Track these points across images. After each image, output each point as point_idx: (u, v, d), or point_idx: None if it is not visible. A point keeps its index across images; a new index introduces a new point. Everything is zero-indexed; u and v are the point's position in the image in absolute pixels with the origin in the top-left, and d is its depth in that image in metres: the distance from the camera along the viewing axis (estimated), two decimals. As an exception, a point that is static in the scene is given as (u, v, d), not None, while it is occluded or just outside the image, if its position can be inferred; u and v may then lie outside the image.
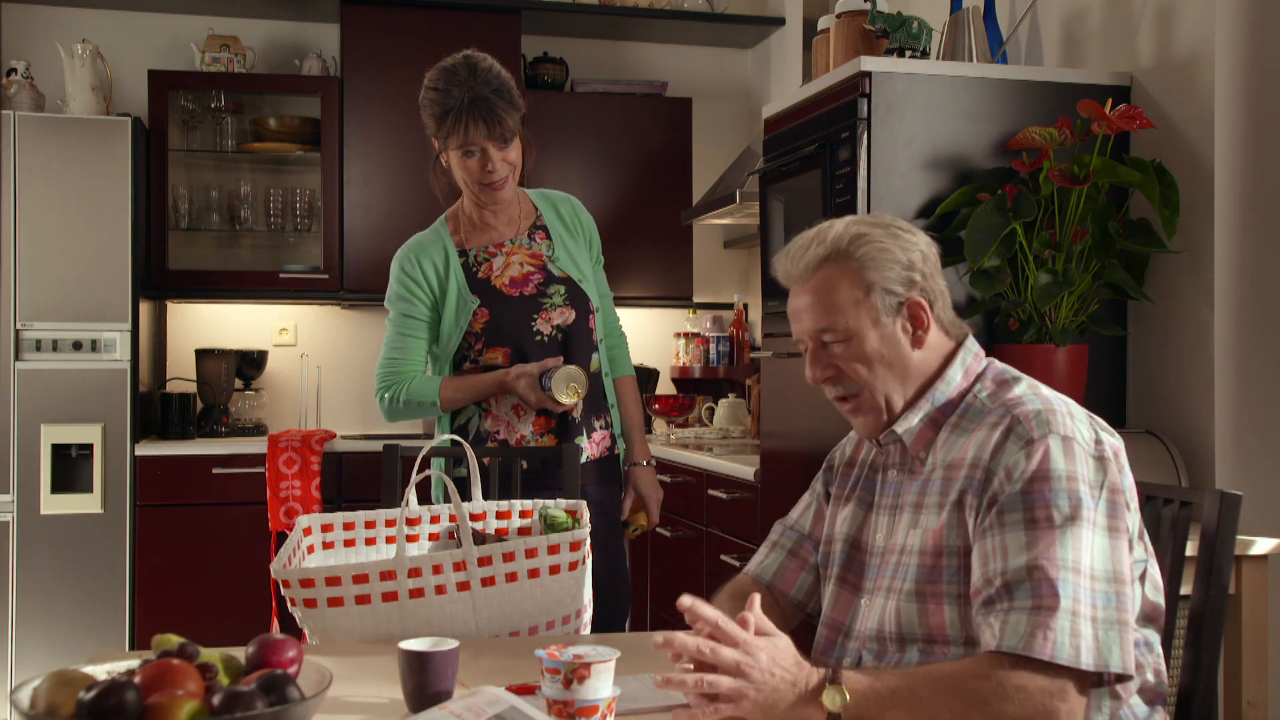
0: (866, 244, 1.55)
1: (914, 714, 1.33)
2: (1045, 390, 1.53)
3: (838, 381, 1.59)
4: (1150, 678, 1.49)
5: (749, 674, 1.31)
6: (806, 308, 1.58)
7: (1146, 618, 1.50)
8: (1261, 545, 2.26)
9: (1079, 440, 1.44)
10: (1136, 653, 1.47)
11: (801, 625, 1.77)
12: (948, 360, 1.59)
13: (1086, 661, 1.33)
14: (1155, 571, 1.52)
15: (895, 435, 1.58)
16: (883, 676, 1.36)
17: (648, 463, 2.79)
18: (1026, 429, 1.45)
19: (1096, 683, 1.38)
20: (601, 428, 2.69)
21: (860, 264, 1.54)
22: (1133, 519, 1.47)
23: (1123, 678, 1.37)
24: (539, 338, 2.60)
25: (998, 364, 1.61)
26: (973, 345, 1.61)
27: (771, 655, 1.33)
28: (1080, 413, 1.49)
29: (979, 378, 1.58)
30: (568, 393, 2.46)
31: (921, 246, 1.58)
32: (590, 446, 2.64)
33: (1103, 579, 1.37)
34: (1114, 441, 1.48)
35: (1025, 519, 1.40)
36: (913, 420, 1.57)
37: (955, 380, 1.57)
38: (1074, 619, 1.34)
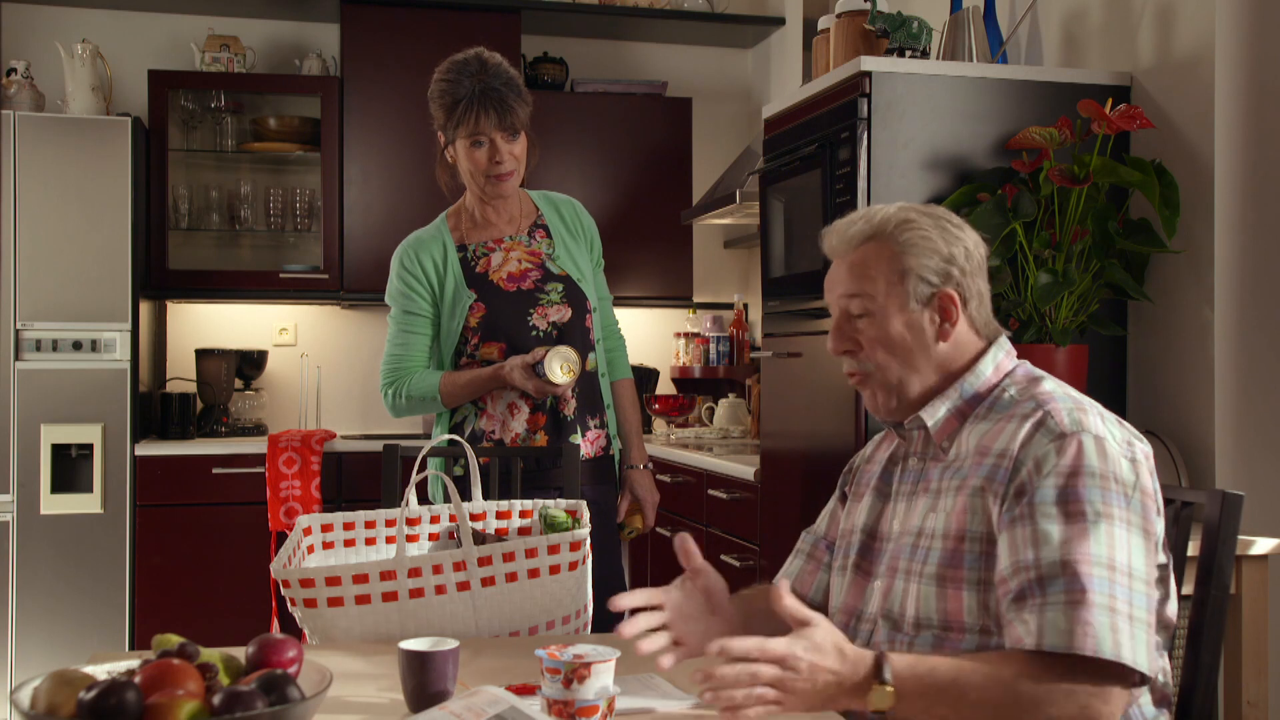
0: (911, 230, 1.57)
1: (959, 713, 1.33)
2: (1074, 392, 1.55)
3: (854, 356, 1.61)
4: (1160, 677, 1.49)
5: (792, 687, 1.30)
6: (841, 279, 1.60)
7: (1161, 624, 1.50)
8: (1261, 545, 2.26)
9: (1111, 440, 1.44)
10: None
11: None
12: (978, 356, 1.60)
13: (1127, 657, 1.33)
14: (1171, 582, 1.52)
15: (920, 421, 1.59)
16: (934, 673, 1.34)
17: (645, 466, 2.80)
18: (1058, 423, 1.45)
19: (1140, 681, 1.37)
20: (596, 427, 2.69)
21: (901, 248, 1.56)
22: (1160, 525, 1.47)
23: (1144, 678, 1.37)
24: (535, 333, 2.60)
25: (1029, 364, 1.63)
26: (1005, 344, 1.63)
27: (811, 663, 1.30)
28: (1110, 415, 1.50)
29: (1009, 375, 1.60)
30: (561, 371, 2.46)
31: (968, 244, 1.60)
32: (585, 446, 2.65)
33: (1138, 578, 1.38)
34: (1144, 446, 1.48)
35: (1059, 513, 1.40)
36: (940, 410, 1.58)
37: (985, 374, 1.59)
38: (1112, 614, 1.34)
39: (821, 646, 1.32)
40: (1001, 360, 1.60)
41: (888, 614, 1.56)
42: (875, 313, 1.57)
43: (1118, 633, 1.33)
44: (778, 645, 1.30)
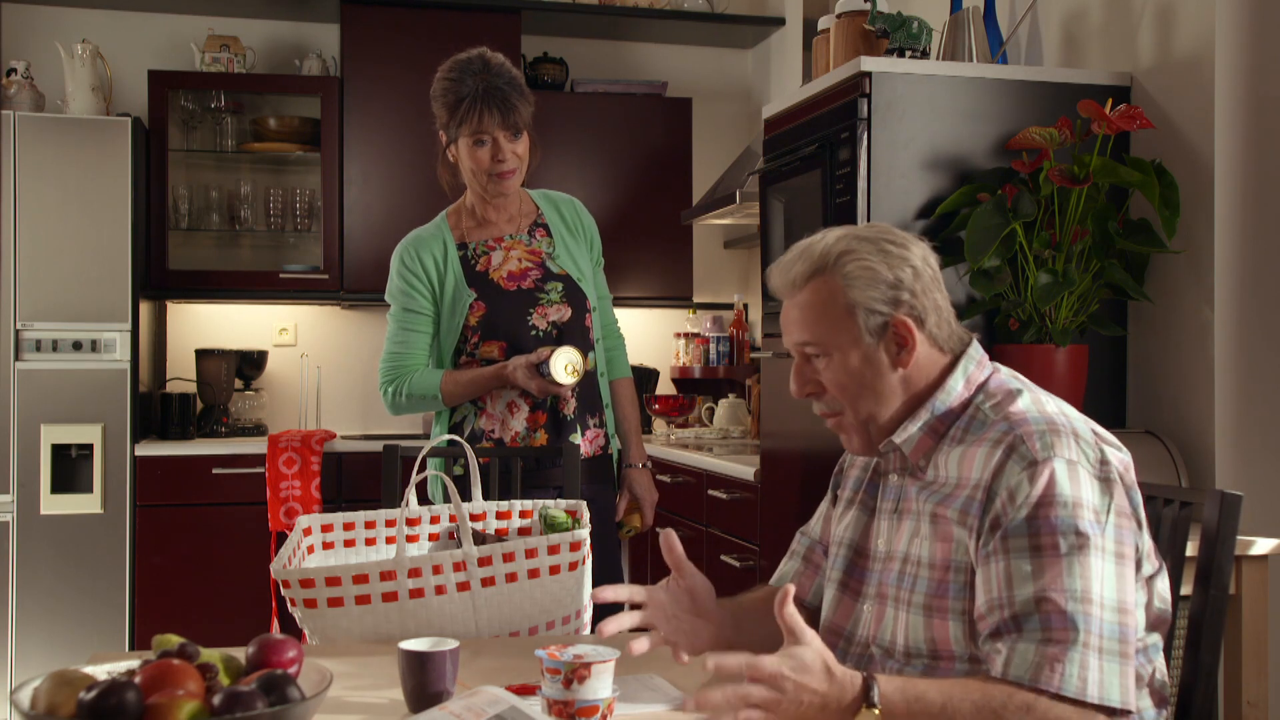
0: (852, 261, 1.51)
1: None
2: (1050, 405, 1.50)
3: (819, 398, 1.58)
4: (1157, 676, 1.49)
5: (777, 708, 1.30)
6: (792, 321, 1.57)
7: (1152, 625, 1.49)
8: (1261, 545, 2.26)
9: (1084, 463, 1.42)
10: (1140, 660, 1.46)
11: None
12: (947, 371, 1.56)
13: (1093, 694, 1.32)
14: (1164, 584, 1.51)
15: (893, 445, 1.56)
16: (923, 699, 1.33)
17: (644, 465, 2.80)
18: (1030, 449, 1.42)
19: (1121, 713, 1.37)
20: (595, 426, 2.69)
21: (845, 281, 1.51)
22: (1142, 538, 1.46)
23: (1124, 712, 1.36)
24: (534, 333, 2.61)
25: (1003, 372, 1.58)
26: (976, 353, 1.58)
27: (797, 683, 1.30)
28: (1084, 428, 1.46)
29: (981, 387, 1.55)
30: (566, 373, 2.47)
31: (914, 261, 1.53)
32: (584, 445, 2.65)
33: (1110, 608, 1.36)
34: (1121, 456, 1.46)
35: (1031, 546, 1.38)
36: (911, 429, 1.54)
37: (957, 389, 1.54)
38: (1084, 651, 1.33)
39: (810, 667, 1.31)
40: (972, 372, 1.56)
41: (879, 642, 1.55)
42: (830, 353, 1.54)
43: (1087, 669, 1.33)
44: (767, 664, 1.29)
